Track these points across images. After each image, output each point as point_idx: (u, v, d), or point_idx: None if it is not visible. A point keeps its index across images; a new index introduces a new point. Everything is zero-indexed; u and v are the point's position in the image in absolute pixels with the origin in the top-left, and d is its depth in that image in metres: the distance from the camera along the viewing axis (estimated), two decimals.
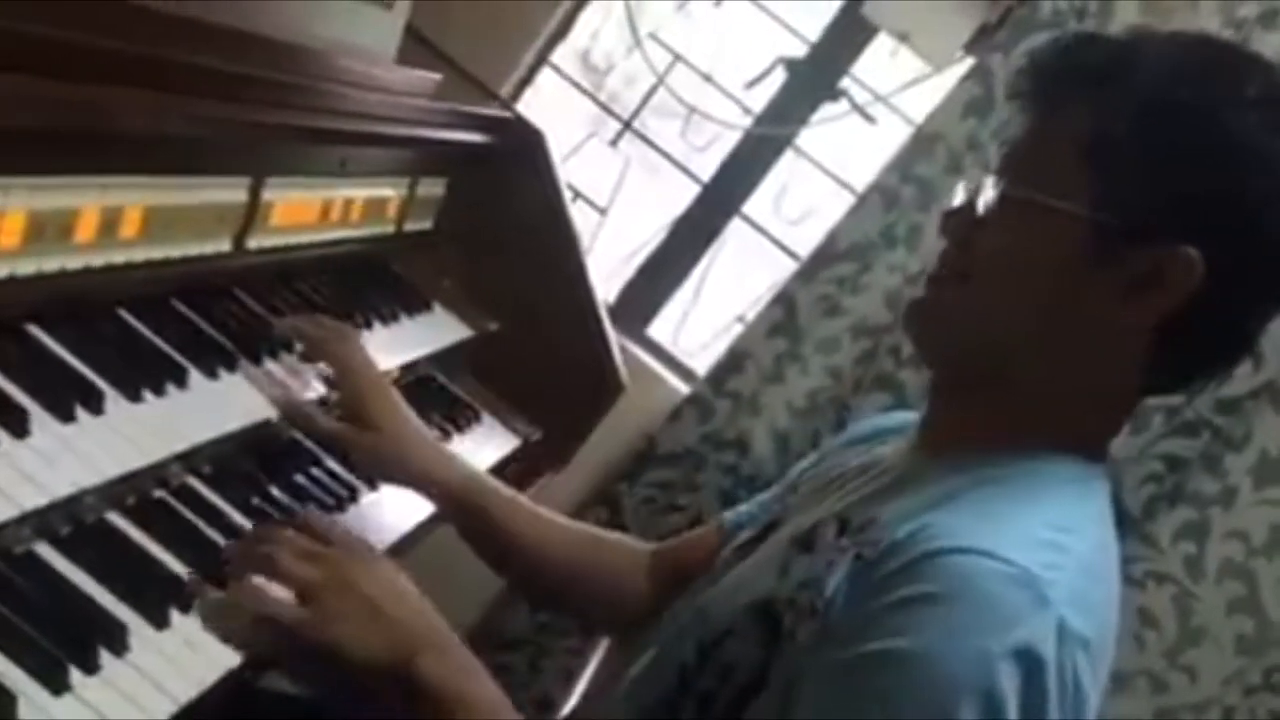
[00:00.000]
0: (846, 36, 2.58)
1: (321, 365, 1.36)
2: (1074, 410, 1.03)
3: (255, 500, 1.23)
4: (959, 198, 1.09)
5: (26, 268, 1.04)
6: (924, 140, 2.31)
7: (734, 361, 2.45)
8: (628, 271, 2.76)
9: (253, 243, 1.38)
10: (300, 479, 1.32)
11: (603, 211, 2.84)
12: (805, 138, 2.67)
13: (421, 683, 0.99)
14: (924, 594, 0.89)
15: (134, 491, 1.09)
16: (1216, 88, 0.99)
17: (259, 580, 1.01)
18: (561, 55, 2.74)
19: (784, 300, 2.42)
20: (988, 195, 1.04)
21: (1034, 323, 1.02)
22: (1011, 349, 1.03)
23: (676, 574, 1.36)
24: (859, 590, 0.94)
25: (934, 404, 1.11)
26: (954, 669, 0.87)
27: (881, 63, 2.62)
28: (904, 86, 2.56)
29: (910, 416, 1.17)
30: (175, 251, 1.24)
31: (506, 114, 1.96)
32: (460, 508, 1.35)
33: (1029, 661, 0.88)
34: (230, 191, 1.32)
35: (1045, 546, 0.93)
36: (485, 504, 1.35)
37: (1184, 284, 0.97)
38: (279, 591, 1.00)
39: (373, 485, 1.41)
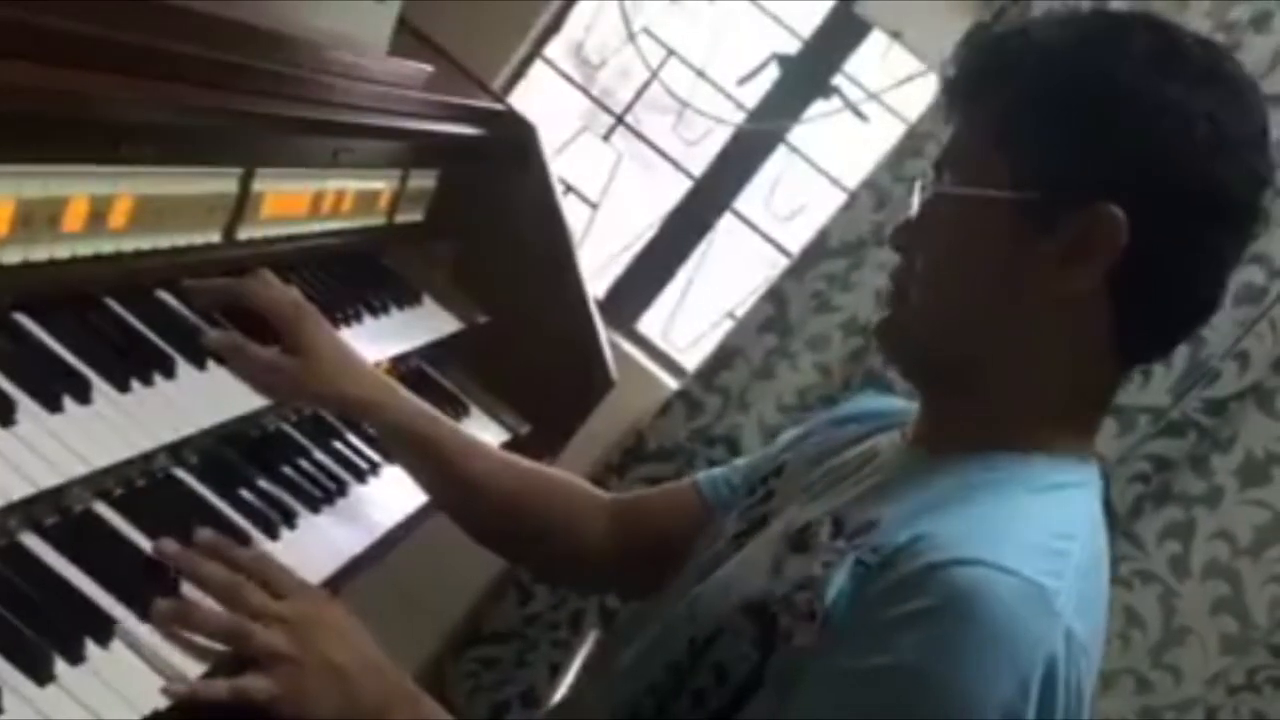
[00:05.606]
0: (840, 33, 2.58)
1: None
2: (1057, 398, 1.03)
3: (242, 492, 1.23)
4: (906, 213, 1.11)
5: (14, 256, 1.04)
6: (916, 138, 2.31)
7: (724, 357, 2.45)
8: (618, 266, 2.75)
9: (243, 234, 1.38)
10: (288, 471, 1.32)
11: (594, 206, 2.84)
12: (797, 134, 2.67)
13: None
14: (932, 608, 0.89)
15: (120, 482, 1.09)
16: (1104, 50, 1.00)
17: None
18: (554, 49, 2.74)
19: (775, 296, 2.42)
20: (916, 203, 1.06)
21: (985, 317, 1.03)
22: (973, 349, 1.04)
23: (643, 527, 1.35)
24: (863, 598, 0.94)
25: (924, 405, 1.11)
26: (965, 687, 0.88)
27: (874, 60, 2.62)
28: (896, 84, 2.56)
29: (907, 407, 1.16)
30: (165, 242, 1.24)
31: (499, 107, 1.96)
32: (406, 437, 1.33)
33: (1042, 675, 0.88)
34: (221, 182, 1.32)
35: (1047, 554, 0.93)
36: (433, 433, 1.33)
37: (1112, 238, 0.97)
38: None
39: (361, 479, 1.41)
